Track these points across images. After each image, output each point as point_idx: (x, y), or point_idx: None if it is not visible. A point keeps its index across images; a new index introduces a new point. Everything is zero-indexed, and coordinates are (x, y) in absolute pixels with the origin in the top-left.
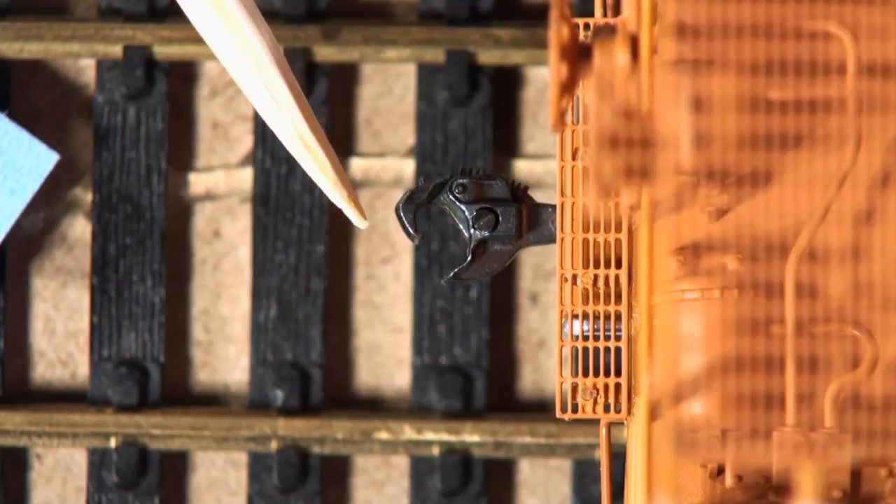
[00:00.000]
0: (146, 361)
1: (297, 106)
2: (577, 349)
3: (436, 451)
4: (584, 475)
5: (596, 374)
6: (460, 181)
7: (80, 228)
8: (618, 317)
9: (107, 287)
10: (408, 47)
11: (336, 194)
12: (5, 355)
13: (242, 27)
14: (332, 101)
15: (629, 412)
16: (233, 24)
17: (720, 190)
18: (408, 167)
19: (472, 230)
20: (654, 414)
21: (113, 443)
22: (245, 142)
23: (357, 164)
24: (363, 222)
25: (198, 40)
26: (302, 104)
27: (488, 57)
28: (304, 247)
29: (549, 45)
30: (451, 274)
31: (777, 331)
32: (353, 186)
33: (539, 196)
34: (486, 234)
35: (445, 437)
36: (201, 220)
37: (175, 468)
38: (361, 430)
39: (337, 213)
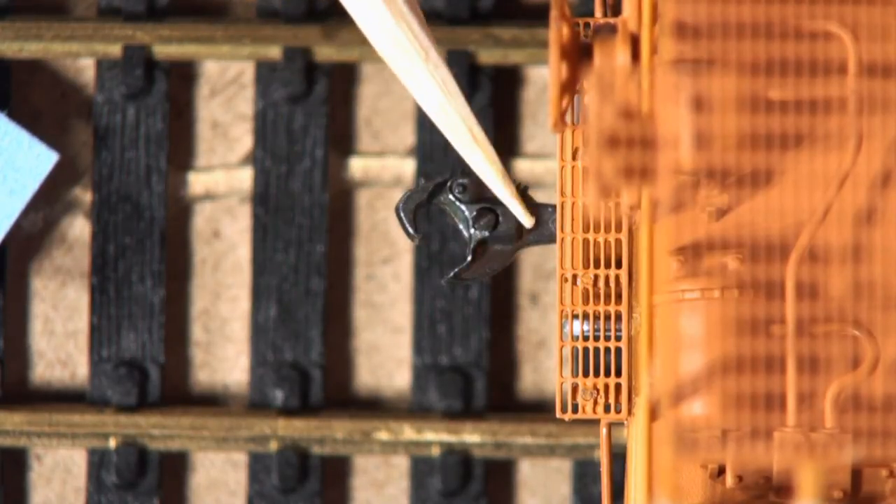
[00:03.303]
0: (146, 362)
1: (463, 98)
2: (577, 349)
3: (436, 451)
4: (584, 475)
5: (596, 374)
6: (460, 181)
7: (79, 228)
8: (618, 317)
9: (106, 287)
10: None
11: (505, 190)
12: (5, 355)
13: (409, 19)
14: (332, 101)
15: (629, 412)
16: (400, 16)
17: (720, 190)
18: (408, 167)
19: (472, 230)
20: (654, 414)
21: (112, 443)
22: (245, 141)
23: (357, 164)
24: (530, 220)
25: (198, 40)
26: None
27: (488, 57)
28: (304, 247)
29: (550, 45)
30: (451, 274)
31: (777, 331)
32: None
33: (539, 196)
34: (486, 234)
35: (445, 437)
36: (201, 219)
37: (175, 468)
38: (361, 431)
39: (337, 213)
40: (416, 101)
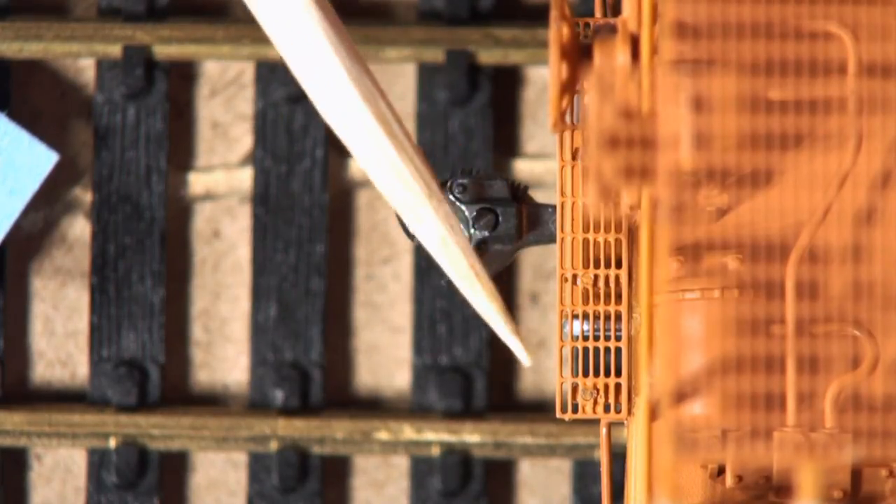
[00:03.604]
0: (146, 361)
1: (464, 234)
2: (577, 349)
3: (436, 451)
4: (584, 475)
5: (596, 374)
6: (460, 181)
7: (79, 228)
8: (618, 317)
9: (106, 287)
10: (408, 47)
11: (505, 327)
12: (5, 355)
13: (411, 154)
14: None
15: (629, 412)
16: (403, 152)
17: (720, 190)
18: None
19: (472, 230)
20: (654, 414)
21: (112, 443)
22: (245, 141)
23: (357, 165)
24: (529, 359)
25: (197, 40)
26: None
27: (488, 57)
28: (304, 247)
29: (550, 45)
30: None
31: (777, 331)
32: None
33: (539, 196)
34: (486, 234)
35: (445, 437)
36: (201, 220)
37: (175, 468)
38: (361, 430)
39: (337, 213)
40: (414, 104)
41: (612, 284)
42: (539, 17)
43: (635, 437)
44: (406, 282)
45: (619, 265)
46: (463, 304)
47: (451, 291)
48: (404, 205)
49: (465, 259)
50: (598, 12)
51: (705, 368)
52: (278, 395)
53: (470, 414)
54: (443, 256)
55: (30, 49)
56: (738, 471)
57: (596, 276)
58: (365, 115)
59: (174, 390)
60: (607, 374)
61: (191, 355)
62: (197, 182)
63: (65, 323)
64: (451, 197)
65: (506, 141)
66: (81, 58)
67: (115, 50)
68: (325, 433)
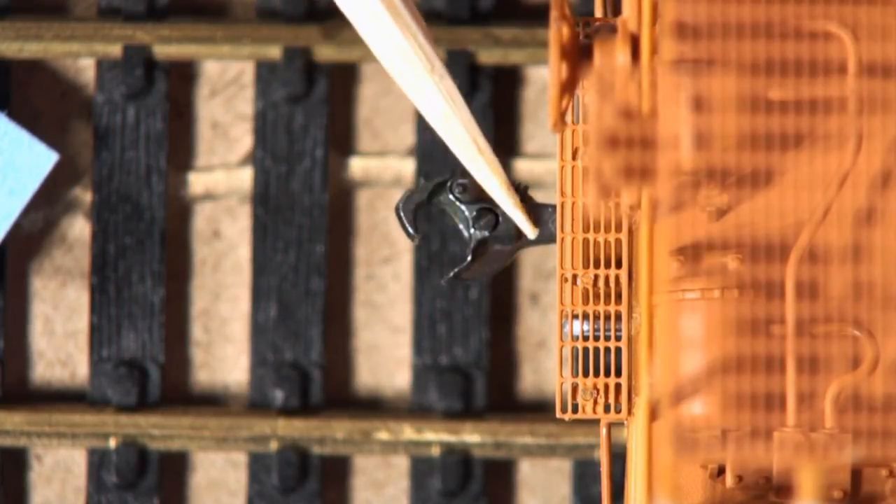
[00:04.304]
0: (146, 361)
1: (468, 109)
2: (577, 349)
3: (436, 451)
4: (584, 475)
5: (596, 374)
6: (460, 181)
7: (79, 228)
8: (618, 317)
9: (106, 287)
10: None
11: (508, 201)
12: (5, 355)
13: (414, 30)
14: (332, 100)
15: (629, 412)
16: (406, 28)
17: (720, 190)
18: (408, 167)
19: (472, 230)
20: (654, 414)
21: (112, 443)
22: (245, 142)
23: (357, 164)
24: (534, 231)
25: (198, 40)
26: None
27: (488, 57)
28: (304, 247)
29: (550, 45)
30: (451, 274)
31: (777, 331)
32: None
33: (539, 196)
34: (486, 234)
35: (445, 437)
36: (201, 219)
37: (175, 468)
38: (361, 430)
39: (337, 213)
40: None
41: (612, 284)
42: (539, 17)
43: (635, 437)
44: (406, 282)
45: (619, 265)
46: (463, 304)
47: (451, 291)
48: (406, 80)
49: (467, 133)
50: (598, 12)
51: (705, 368)
52: (278, 395)
53: (470, 414)
54: (445, 131)
55: (30, 49)
56: (738, 471)
57: (596, 276)
58: None
59: (174, 390)
60: (607, 374)
61: (191, 355)
62: (197, 182)
63: (65, 323)
64: (451, 197)
65: (506, 141)
66: (81, 58)
67: (115, 50)
68: (325, 433)
